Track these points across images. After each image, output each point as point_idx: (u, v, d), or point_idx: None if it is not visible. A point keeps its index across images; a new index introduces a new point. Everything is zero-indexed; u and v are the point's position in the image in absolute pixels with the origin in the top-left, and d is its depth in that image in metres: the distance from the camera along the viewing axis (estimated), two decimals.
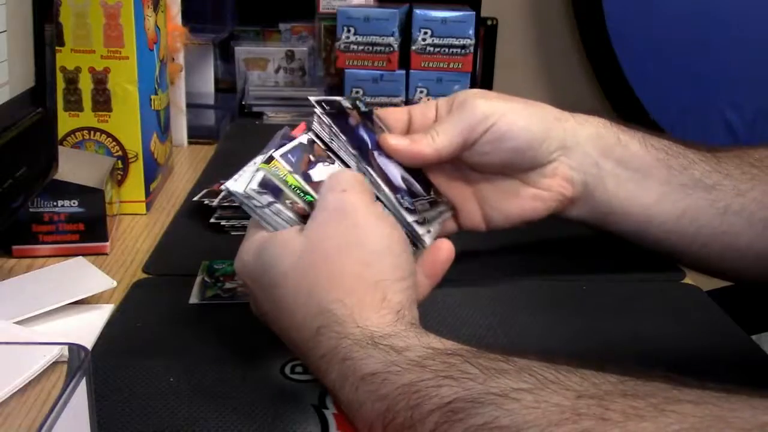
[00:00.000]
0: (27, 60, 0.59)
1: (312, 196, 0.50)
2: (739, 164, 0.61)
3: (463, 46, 1.12)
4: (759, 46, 1.67)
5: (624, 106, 1.71)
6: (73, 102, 0.76)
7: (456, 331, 0.56)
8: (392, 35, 1.12)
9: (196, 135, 1.08)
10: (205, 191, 0.79)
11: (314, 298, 0.46)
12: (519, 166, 0.60)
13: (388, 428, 0.39)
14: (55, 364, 0.39)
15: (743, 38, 1.66)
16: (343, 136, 0.53)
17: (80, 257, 0.66)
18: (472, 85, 1.17)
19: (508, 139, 0.58)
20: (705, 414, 0.32)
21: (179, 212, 0.79)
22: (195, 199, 0.78)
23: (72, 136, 0.77)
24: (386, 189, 0.53)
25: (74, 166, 0.69)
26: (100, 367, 0.49)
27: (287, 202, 0.50)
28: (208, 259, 0.66)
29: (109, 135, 0.77)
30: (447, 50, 1.13)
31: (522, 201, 0.61)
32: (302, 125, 0.55)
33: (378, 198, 0.53)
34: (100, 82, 0.76)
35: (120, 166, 0.78)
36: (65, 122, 0.76)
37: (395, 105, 1.11)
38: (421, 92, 1.16)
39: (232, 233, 0.72)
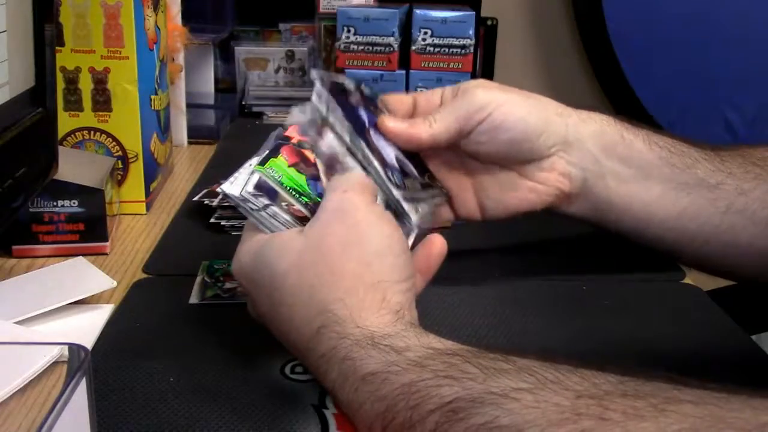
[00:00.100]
0: (27, 60, 0.59)
1: (308, 198, 0.50)
2: (742, 163, 0.61)
3: (463, 46, 1.12)
4: (759, 46, 1.67)
5: (624, 105, 1.71)
6: (73, 102, 0.76)
7: (456, 331, 0.56)
8: (392, 35, 1.12)
9: (196, 135, 1.08)
10: (205, 191, 0.79)
11: (315, 297, 0.46)
12: (515, 158, 0.60)
13: (388, 428, 0.39)
14: (55, 364, 0.39)
15: (743, 38, 1.66)
16: (339, 111, 0.53)
17: (80, 257, 0.66)
18: None
19: (505, 129, 0.58)
20: (705, 414, 0.32)
21: (179, 212, 0.79)
22: (195, 199, 0.78)
23: (72, 136, 0.77)
24: (377, 164, 0.53)
25: (74, 166, 0.69)
26: (100, 367, 0.49)
27: (283, 204, 0.50)
28: (208, 259, 0.66)
29: (109, 135, 0.77)
30: (447, 50, 1.13)
31: (518, 193, 0.61)
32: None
33: (368, 173, 0.53)
34: (100, 82, 0.76)
35: (120, 166, 0.78)
36: (65, 122, 0.76)
37: None
38: (421, 92, 1.15)
39: (232, 233, 0.72)
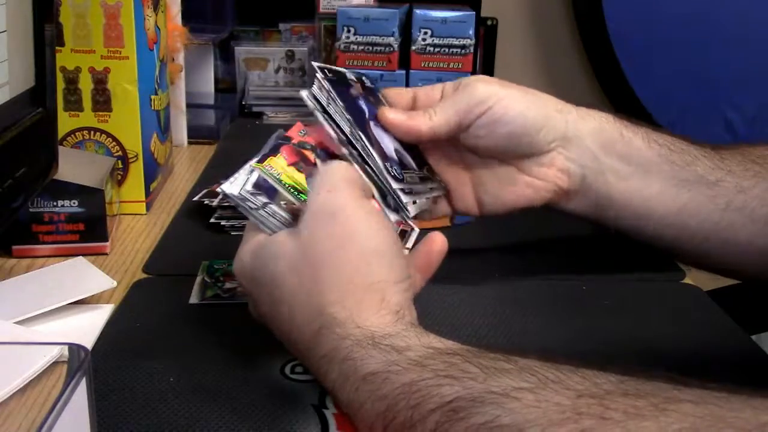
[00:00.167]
0: (27, 60, 0.59)
1: (308, 196, 0.50)
2: (741, 161, 0.61)
3: (463, 46, 1.12)
4: (759, 46, 1.67)
5: (624, 105, 1.71)
6: (73, 102, 0.76)
7: (456, 331, 0.56)
8: (392, 35, 1.12)
9: (196, 135, 1.08)
10: (205, 191, 0.79)
11: (312, 300, 0.45)
12: (514, 152, 0.60)
13: (388, 428, 0.39)
14: (55, 364, 0.39)
15: (743, 38, 1.66)
16: (340, 102, 0.53)
17: (80, 257, 0.66)
18: None
19: (504, 123, 0.59)
20: (705, 414, 0.32)
21: (179, 212, 0.79)
22: (195, 199, 0.78)
23: (72, 136, 0.77)
24: (376, 156, 0.53)
25: (74, 166, 0.69)
26: (100, 367, 0.49)
27: (282, 203, 0.50)
28: (208, 259, 0.66)
29: (109, 135, 0.77)
30: (447, 50, 1.13)
31: (516, 188, 0.61)
32: (298, 125, 0.56)
33: (367, 164, 0.53)
34: (100, 82, 0.76)
35: (120, 166, 0.78)
36: (65, 122, 0.76)
37: None
38: (421, 87, 1.15)
39: (232, 233, 0.72)
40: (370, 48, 1.13)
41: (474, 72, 1.16)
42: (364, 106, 0.56)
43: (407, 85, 1.16)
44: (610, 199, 0.61)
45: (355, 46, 1.13)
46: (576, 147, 0.60)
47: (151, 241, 0.72)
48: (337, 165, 0.50)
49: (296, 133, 0.55)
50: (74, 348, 0.33)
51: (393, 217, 0.54)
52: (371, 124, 0.56)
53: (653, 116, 1.68)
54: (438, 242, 0.51)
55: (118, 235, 0.73)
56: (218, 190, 0.52)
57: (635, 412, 0.33)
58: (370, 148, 0.53)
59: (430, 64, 1.14)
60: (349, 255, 0.46)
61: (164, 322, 0.57)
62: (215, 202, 0.74)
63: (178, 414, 0.45)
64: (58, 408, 0.28)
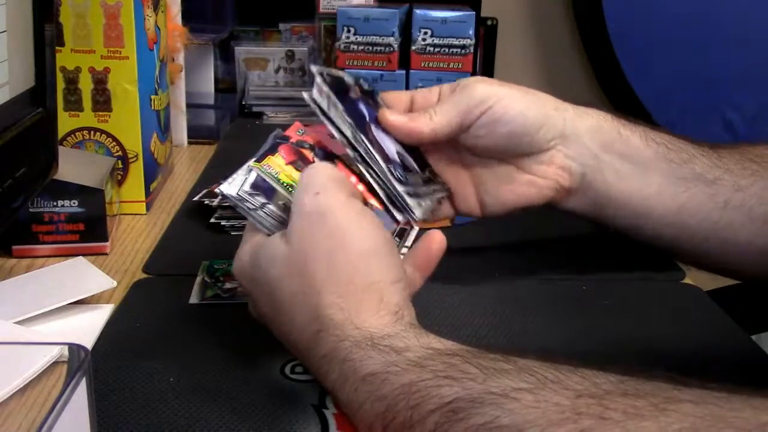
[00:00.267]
0: (27, 60, 0.59)
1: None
2: (739, 160, 0.61)
3: (463, 46, 1.12)
4: (759, 46, 1.67)
5: (624, 105, 1.71)
6: (73, 102, 0.76)
7: (456, 331, 0.56)
8: (392, 35, 1.12)
9: (196, 135, 1.08)
10: (205, 191, 0.79)
11: (310, 302, 0.45)
12: (515, 151, 0.60)
13: (388, 428, 0.39)
14: (55, 364, 0.39)
15: (743, 38, 1.66)
16: (340, 105, 0.53)
17: (80, 257, 0.66)
18: None
19: (504, 122, 0.59)
20: (705, 413, 0.32)
21: (179, 212, 0.79)
22: (195, 199, 0.78)
23: (72, 136, 0.77)
24: (379, 159, 0.53)
25: (74, 166, 0.69)
26: (100, 367, 0.49)
27: (280, 203, 0.50)
28: (208, 259, 0.66)
29: (109, 135, 0.77)
30: (447, 50, 1.13)
31: (517, 187, 0.61)
32: (296, 124, 0.56)
33: (370, 168, 0.53)
34: (100, 82, 0.76)
35: (120, 166, 0.78)
36: (65, 122, 0.76)
37: None
38: (419, 90, 1.15)
39: (232, 233, 0.72)
40: (370, 48, 1.13)
41: (474, 72, 1.16)
42: (364, 110, 0.56)
43: (407, 85, 1.16)
44: (609, 197, 0.61)
45: (355, 46, 1.13)
46: (575, 144, 0.60)
47: (151, 241, 0.72)
48: (322, 166, 0.49)
49: (294, 132, 0.55)
50: (74, 348, 0.33)
51: (400, 218, 0.54)
52: (372, 126, 0.56)
53: (653, 116, 1.68)
54: (437, 240, 0.51)
55: (118, 235, 0.73)
56: (217, 190, 0.52)
57: (635, 412, 0.33)
58: (373, 151, 0.53)
59: (430, 64, 1.14)
60: (347, 256, 0.46)
61: (164, 322, 0.57)
62: (215, 202, 0.74)
63: (178, 414, 0.45)
64: (58, 408, 0.28)
